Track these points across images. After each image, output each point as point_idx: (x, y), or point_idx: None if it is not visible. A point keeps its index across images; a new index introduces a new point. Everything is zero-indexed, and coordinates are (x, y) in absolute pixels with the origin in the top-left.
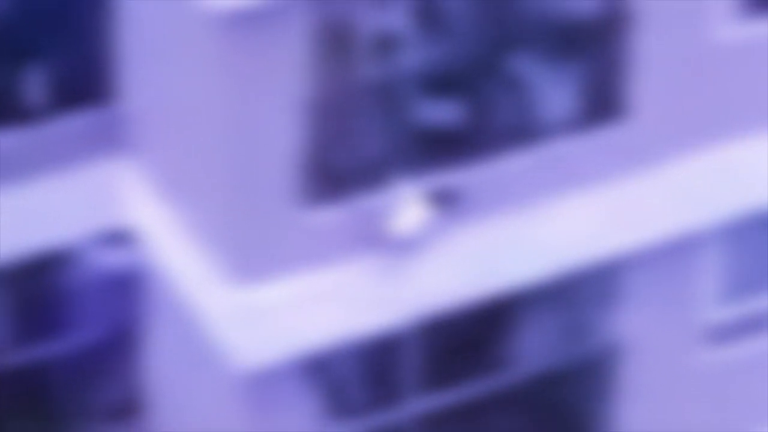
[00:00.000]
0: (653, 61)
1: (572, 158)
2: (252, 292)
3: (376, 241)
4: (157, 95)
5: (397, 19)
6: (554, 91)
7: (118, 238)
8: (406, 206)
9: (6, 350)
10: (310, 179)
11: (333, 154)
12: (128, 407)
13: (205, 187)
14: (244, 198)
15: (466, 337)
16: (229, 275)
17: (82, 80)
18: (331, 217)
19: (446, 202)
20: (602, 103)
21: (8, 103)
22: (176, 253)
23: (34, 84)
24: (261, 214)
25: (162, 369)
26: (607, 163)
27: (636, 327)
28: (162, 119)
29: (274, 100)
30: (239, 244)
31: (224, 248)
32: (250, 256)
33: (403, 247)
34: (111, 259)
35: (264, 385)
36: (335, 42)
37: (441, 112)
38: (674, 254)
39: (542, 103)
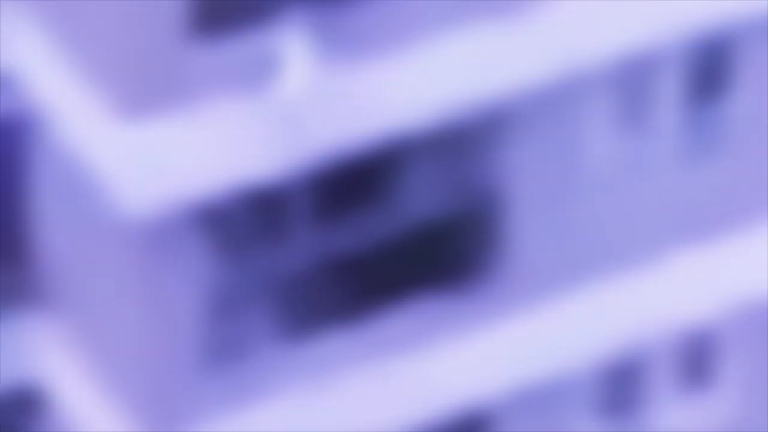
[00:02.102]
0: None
1: None
2: (140, 128)
3: (260, 78)
4: None
5: None
6: None
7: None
8: (289, 43)
9: None
10: (197, 15)
11: None
12: (14, 254)
13: (90, 22)
14: (131, 32)
15: (354, 183)
16: (116, 110)
17: None
18: (219, 53)
19: (330, 38)
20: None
21: None
22: (61, 92)
23: None
24: (148, 48)
25: (46, 215)
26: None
27: (523, 170)
28: None
29: None
30: (126, 78)
31: (111, 82)
32: (137, 91)
33: (290, 88)
34: None
35: (152, 228)
36: None
37: None
38: (559, 101)
39: None
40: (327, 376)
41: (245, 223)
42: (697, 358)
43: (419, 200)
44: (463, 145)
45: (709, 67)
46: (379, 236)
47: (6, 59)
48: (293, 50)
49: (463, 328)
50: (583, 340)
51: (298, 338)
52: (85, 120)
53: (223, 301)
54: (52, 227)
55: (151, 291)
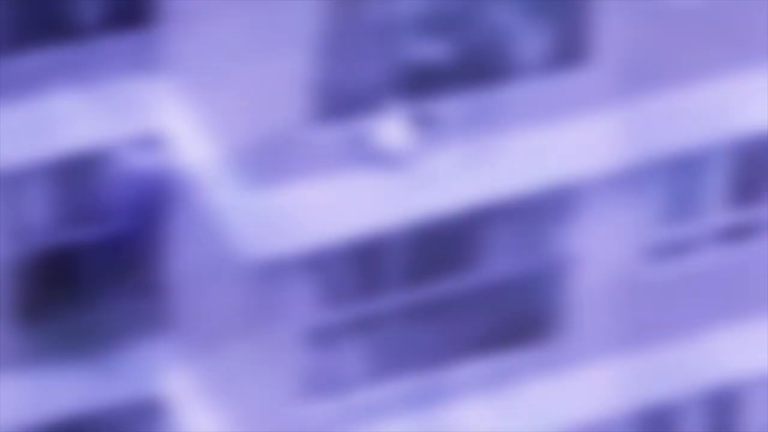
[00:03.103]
0: (617, 9)
1: (541, 95)
2: (264, 194)
3: (368, 155)
4: (194, 24)
5: None
6: (527, 36)
7: (152, 142)
8: (393, 127)
9: (49, 232)
10: (317, 102)
11: (337, 82)
12: (152, 286)
13: (229, 106)
14: (262, 115)
15: (444, 242)
16: (245, 179)
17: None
18: (333, 134)
19: (428, 123)
20: (569, 49)
21: (60, 21)
22: (200, 159)
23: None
24: (275, 129)
25: (182, 256)
26: (569, 101)
27: (588, 243)
28: (197, 45)
29: (292, 35)
30: (255, 153)
31: (242, 156)
32: (264, 164)
33: (389, 162)
34: (144, 161)
35: (268, 274)
36: None
37: (430, 50)
38: (623, 181)
39: (517, 47)
40: (410, 411)
41: (348, 273)
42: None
43: (498, 261)
44: (538, 215)
45: None
46: (461, 290)
47: (160, 124)
48: (393, 130)
49: (528, 378)
50: (629, 391)
51: (387, 376)
52: (219, 181)
53: (323, 339)
54: (186, 266)
55: (262, 324)
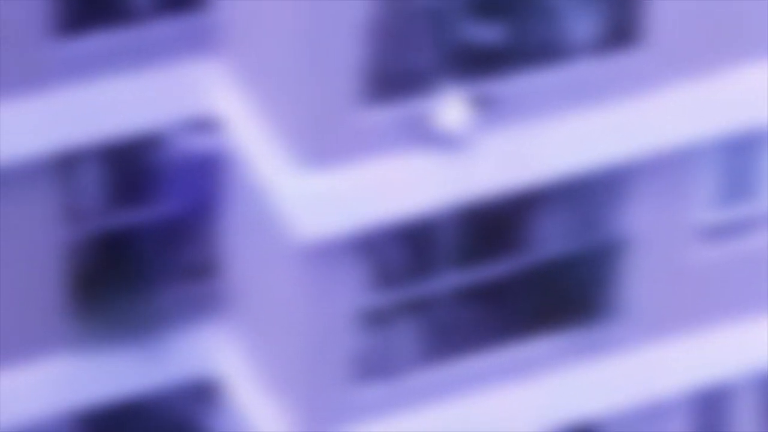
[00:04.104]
0: None
1: (593, 76)
2: (316, 176)
3: (423, 137)
4: (246, 6)
5: None
6: (580, 17)
7: (205, 125)
8: (451, 108)
9: (101, 215)
10: (370, 83)
11: (390, 62)
12: (204, 269)
13: (281, 87)
14: (314, 96)
15: (495, 223)
16: (297, 161)
17: None
18: (386, 115)
19: (485, 105)
20: (621, 30)
21: (113, 4)
22: (253, 141)
23: None
24: (327, 110)
25: (234, 238)
26: (622, 82)
27: (640, 224)
28: (249, 27)
29: (343, 16)
30: (308, 135)
31: (294, 137)
32: (316, 145)
33: (446, 143)
34: (197, 143)
35: (320, 256)
36: None
37: (484, 32)
38: (676, 162)
39: (569, 28)
40: (461, 393)
41: (399, 255)
42: None
43: (550, 242)
44: (590, 196)
45: None
46: (513, 272)
47: (213, 107)
48: (449, 110)
49: (581, 357)
50: (681, 374)
51: (439, 358)
52: (271, 163)
53: (374, 320)
54: (237, 249)
55: (314, 306)
